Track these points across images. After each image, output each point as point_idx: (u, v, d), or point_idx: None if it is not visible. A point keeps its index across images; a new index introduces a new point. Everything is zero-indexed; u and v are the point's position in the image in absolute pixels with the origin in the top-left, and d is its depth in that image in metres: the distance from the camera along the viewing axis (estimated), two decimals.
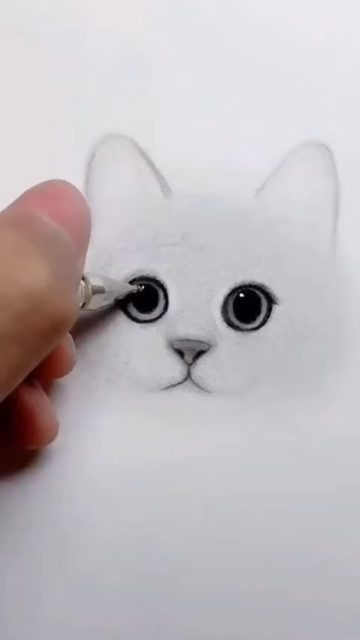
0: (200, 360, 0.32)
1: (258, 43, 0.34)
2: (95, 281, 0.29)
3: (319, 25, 0.34)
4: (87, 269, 0.30)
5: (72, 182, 0.32)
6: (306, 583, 0.31)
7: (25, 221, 0.25)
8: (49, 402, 0.30)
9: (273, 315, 0.32)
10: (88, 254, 0.32)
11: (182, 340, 0.32)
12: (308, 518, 0.32)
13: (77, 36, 0.33)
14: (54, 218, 0.25)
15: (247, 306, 0.32)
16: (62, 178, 0.32)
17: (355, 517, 0.32)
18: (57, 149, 0.33)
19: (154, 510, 0.32)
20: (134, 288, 0.32)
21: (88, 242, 0.28)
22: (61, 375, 0.30)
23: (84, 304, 0.28)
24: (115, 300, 0.31)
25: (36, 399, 0.29)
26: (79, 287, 0.27)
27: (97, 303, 0.29)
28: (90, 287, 0.28)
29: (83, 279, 0.28)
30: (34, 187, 0.27)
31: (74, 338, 0.31)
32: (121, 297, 0.32)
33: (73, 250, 0.26)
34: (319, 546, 0.32)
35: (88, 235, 0.27)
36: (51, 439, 0.30)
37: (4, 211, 0.26)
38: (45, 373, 0.29)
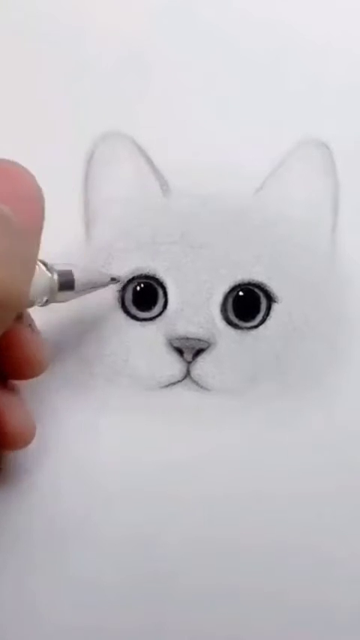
0: (200, 359, 0.32)
1: (257, 42, 0.34)
2: (62, 270, 0.28)
3: (319, 25, 0.34)
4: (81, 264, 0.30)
5: (72, 180, 0.33)
6: (306, 583, 0.31)
7: None
8: (23, 403, 0.30)
9: (272, 313, 0.32)
10: (87, 252, 0.32)
11: (182, 338, 0.32)
12: (308, 517, 0.31)
13: (77, 35, 0.34)
14: (1, 199, 0.24)
15: (247, 304, 0.32)
16: (62, 176, 0.33)
17: (355, 516, 0.32)
18: (56, 147, 0.33)
19: (154, 509, 0.32)
20: (113, 278, 0.31)
21: (41, 225, 0.26)
22: (32, 377, 0.29)
23: (47, 300, 0.28)
24: (92, 290, 0.30)
25: (5, 400, 0.29)
26: (42, 278, 0.27)
27: (66, 296, 0.28)
28: (56, 278, 0.27)
29: (46, 267, 0.27)
30: None
31: (73, 336, 0.31)
32: (103, 288, 0.31)
33: (21, 231, 0.24)
34: (318, 546, 0.31)
35: (41, 217, 0.26)
36: (26, 442, 0.29)
37: None
38: (13, 374, 0.28)
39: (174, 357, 0.32)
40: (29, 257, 0.25)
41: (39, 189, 0.26)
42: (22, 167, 0.26)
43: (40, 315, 0.29)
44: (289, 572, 0.31)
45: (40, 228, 0.26)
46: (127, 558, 0.31)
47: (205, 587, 0.31)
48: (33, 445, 0.30)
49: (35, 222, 0.26)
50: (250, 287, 0.32)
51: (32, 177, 0.26)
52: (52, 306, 0.28)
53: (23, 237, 0.25)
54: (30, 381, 0.30)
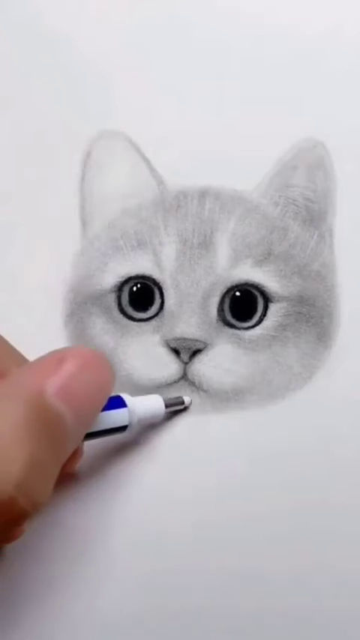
0: (196, 359, 0.32)
1: (256, 41, 0.33)
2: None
3: (317, 25, 0.34)
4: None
5: (68, 179, 0.33)
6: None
7: (30, 397, 0.24)
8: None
9: (269, 313, 0.32)
10: (83, 251, 0.32)
11: (178, 339, 0.32)
12: (306, 513, 0.31)
13: (74, 35, 0.33)
14: (64, 397, 0.24)
15: (244, 304, 0.32)
16: (58, 175, 0.33)
17: (351, 513, 0.32)
18: (53, 146, 0.33)
19: (152, 509, 0.32)
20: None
21: (97, 415, 0.27)
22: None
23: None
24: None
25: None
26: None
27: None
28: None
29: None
30: (63, 351, 0.26)
31: (73, 335, 0.31)
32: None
33: (71, 432, 0.24)
34: (312, 545, 0.31)
35: (99, 410, 0.26)
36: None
37: (25, 369, 0.25)
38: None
39: (171, 358, 0.32)
40: (63, 459, 0.25)
41: (111, 382, 0.26)
42: (102, 356, 0.26)
43: None
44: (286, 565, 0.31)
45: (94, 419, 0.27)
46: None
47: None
48: None
49: (90, 420, 0.26)
50: (247, 287, 0.32)
51: (109, 369, 0.26)
52: None
53: (68, 441, 0.25)
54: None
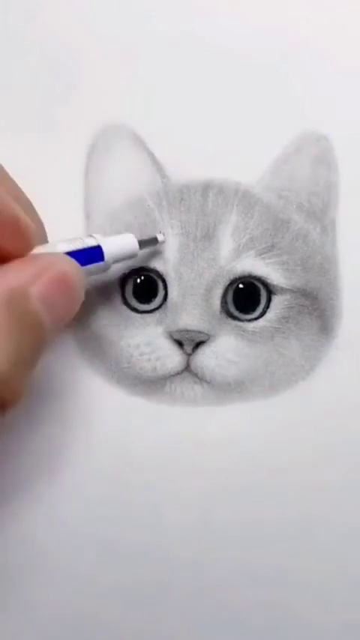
0: (199, 351, 0.32)
1: (260, 34, 0.33)
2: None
3: (321, 18, 0.34)
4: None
5: (72, 172, 0.33)
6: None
7: (17, 300, 0.26)
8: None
9: (272, 305, 0.32)
10: None
11: (181, 331, 0.32)
12: (306, 506, 0.32)
13: (75, 27, 0.34)
14: (45, 300, 0.26)
15: (247, 296, 0.32)
16: (62, 168, 0.33)
17: (352, 504, 0.32)
18: (57, 139, 0.33)
19: (151, 499, 0.32)
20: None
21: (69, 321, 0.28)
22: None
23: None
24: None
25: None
26: None
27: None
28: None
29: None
30: (44, 258, 0.28)
31: (75, 324, 0.31)
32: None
33: (48, 335, 0.27)
34: (310, 537, 0.32)
35: (72, 317, 0.28)
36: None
37: (18, 266, 0.27)
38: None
39: (174, 350, 0.32)
40: (38, 358, 0.27)
41: (81, 296, 0.28)
42: (78, 269, 0.28)
43: None
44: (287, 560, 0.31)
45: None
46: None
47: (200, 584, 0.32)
48: (33, 428, 0.31)
49: (63, 323, 0.28)
50: (250, 279, 0.32)
51: (81, 283, 0.28)
52: None
53: (45, 342, 0.27)
54: (39, 371, 0.31)
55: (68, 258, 0.28)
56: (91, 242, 0.30)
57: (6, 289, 0.26)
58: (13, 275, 0.26)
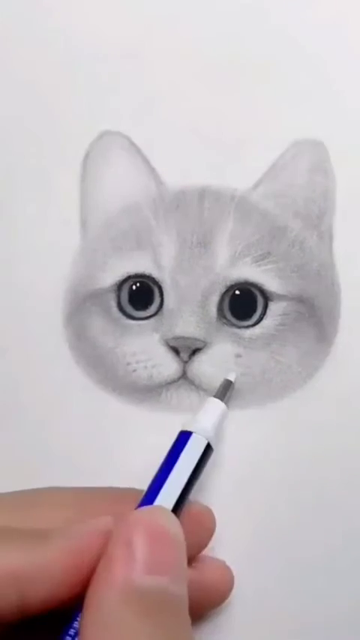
0: (196, 358, 0.32)
1: (255, 43, 0.34)
2: None
3: (317, 25, 0.34)
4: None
5: (68, 179, 0.33)
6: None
7: (124, 592, 0.23)
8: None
9: (269, 312, 0.32)
10: (83, 251, 0.32)
11: (178, 338, 0.32)
12: (306, 513, 0.31)
13: (74, 35, 0.34)
14: (151, 572, 0.23)
15: (243, 303, 0.32)
16: (58, 175, 0.33)
17: (350, 511, 0.31)
18: (53, 147, 0.33)
19: None
20: None
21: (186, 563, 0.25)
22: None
23: None
24: None
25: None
26: None
27: None
28: None
29: None
30: (124, 529, 0.24)
31: (69, 332, 0.31)
32: None
33: (177, 597, 0.24)
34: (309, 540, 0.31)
35: (186, 560, 0.25)
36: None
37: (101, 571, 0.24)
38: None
39: (170, 357, 0.32)
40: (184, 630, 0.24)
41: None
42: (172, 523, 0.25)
43: None
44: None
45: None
46: None
47: None
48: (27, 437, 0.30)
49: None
50: (247, 286, 0.32)
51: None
52: None
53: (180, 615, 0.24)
54: (34, 380, 0.31)
55: (161, 509, 0.26)
56: (200, 444, 0.29)
57: (111, 589, 0.23)
58: (105, 571, 0.24)
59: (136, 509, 0.26)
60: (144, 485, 0.30)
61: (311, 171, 0.33)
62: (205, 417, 0.30)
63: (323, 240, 0.32)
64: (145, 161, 0.33)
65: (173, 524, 0.25)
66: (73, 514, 0.26)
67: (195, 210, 0.32)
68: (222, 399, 0.30)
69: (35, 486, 0.31)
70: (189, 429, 0.29)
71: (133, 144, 0.33)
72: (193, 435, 0.29)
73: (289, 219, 0.33)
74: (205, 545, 0.29)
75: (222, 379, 0.31)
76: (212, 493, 0.31)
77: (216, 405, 0.30)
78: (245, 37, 0.34)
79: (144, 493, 0.27)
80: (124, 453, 0.32)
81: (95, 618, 0.23)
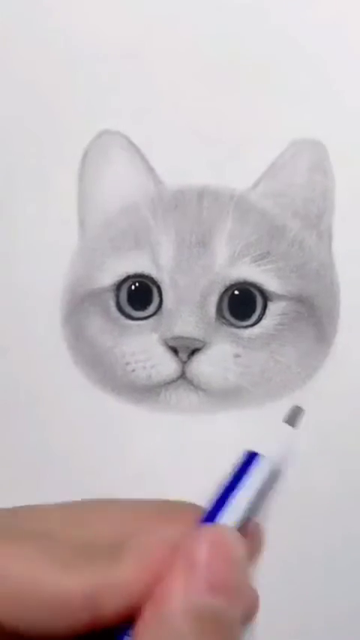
0: (195, 358, 0.32)
1: (256, 41, 0.34)
2: None
3: (317, 25, 0.34)
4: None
5: (67, 179, 0.33)
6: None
7: (188, 611, 0.22)
8: None
9: (268, 312, 0.32)
10: (82, 250, 0.32)
11: (177, 338, 0.32)
12: (305, 513, 0.31)
13: (74, 35, 0.34)
14: (211, 590, 0.23)
15: (242, 303, 0.32)
16: (57, 175, 0.33)
17: (350, 511, 0.31)
18: (52, 146, 0.33)
19: None
20: None
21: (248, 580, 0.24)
22: None
23: None
24: None
25: None
26: None
27: None
28: None
29: None
30: (184, 546, 0.23)
31: (68, 332, 0.31)
32: None
33: (235, 617, 0.23)
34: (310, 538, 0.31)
35: (248, 575, 0.24)
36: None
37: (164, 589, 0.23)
38: None
39: (169, 357, 0.32)
40: None
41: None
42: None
43: None
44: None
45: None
46: None
47: None
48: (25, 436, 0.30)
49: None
50: (246, 286, 0.32)
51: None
52: None
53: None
54: (32, 379, 0.31)
55: (229, 528, 0.25)
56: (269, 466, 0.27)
57: (173, 607, 0.22)
58: (169, 589, 0.23)
59: (200, 524, 0.25)
60: (144, 484, 0.30)
61: (310, 171, 0.33)
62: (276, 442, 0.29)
63: (322, 239, 0.32)
64: (144, 160, 0.33)
65: (238, 545, 0.24)
66: (128, 528, 0.26)
67: (194, 209, 0.32)
68: (292, 425, 0.30)
69: (34, 485, 0.31)
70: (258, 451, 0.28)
71: (132, 143, 0.33)
72: (263, 457, 0.28)
73: (288, 219, 0.33)
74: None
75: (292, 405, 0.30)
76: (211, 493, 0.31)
77: (286, 430, 0.29)
78: (245, 37, 0.34)
79: (206, 508, 0.26)
80: (122, 452, 0.32)
81: (152, 632, 0.22)
